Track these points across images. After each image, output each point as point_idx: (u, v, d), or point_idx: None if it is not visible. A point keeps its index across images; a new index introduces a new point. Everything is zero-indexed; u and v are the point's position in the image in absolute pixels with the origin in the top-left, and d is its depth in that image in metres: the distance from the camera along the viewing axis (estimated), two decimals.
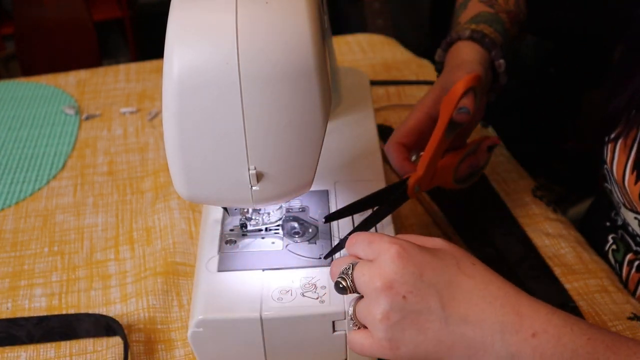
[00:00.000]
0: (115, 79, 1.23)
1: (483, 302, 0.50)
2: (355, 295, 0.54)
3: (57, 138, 1.07)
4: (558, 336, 0.49)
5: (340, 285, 0.53)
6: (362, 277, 0.52)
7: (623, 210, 0.77)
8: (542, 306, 0.50)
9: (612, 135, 0.74)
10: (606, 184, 0.80)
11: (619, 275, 0.79)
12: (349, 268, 0.53)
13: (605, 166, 0.77)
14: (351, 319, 0.54)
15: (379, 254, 0.52)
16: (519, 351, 0.48)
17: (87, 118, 1.12)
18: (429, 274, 0.51)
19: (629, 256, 0.78)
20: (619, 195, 0.76)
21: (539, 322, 0.49)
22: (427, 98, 0.73)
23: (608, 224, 0.82)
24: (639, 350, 0.49)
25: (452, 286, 0.51)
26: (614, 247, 0.80)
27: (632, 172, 0.71)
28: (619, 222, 0.82)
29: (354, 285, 0.53)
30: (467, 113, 0.68)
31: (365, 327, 0.53)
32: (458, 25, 0.83)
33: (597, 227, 0.86)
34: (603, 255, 0.82)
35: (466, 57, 0.76)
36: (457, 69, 0.73)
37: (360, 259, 0.54)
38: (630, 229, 0.78)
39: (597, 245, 0.84)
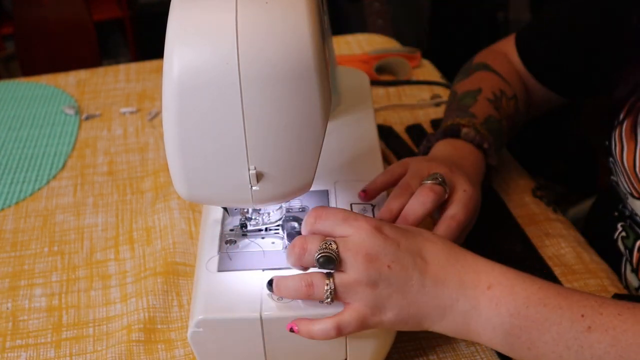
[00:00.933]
0: (115, 79, 1.23)
1: (447, 264, 0.57)
2: (328, 272, 0.57)
3: (57, 138, 1.07)
4: (511, 286, 0.55)
5: (330, 259, 0.56)
6: (348, 251, 0.57)
7: (630, 200, 0.77)
8: (497, 265, 0.57)
9: (617, 122, 0.76)
10: (612, 177, 0.80)
11: (629, 261, 0.79)
12: (330, 244, 0.57)
13: (611, 159, 0.78)
14: (330, 294, 0.57)
15: (356, 231, 0.57)
16: (478, 303, 0.56)
17: (87, 118, 1.12)
18: (404, 243, 0.58)
19: (638, 243, 0.78)
20: (626, 186, 0.76)
21: (493, 276, 0.56)
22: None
23: (616, 213, 0.82)
24: (589, 298, 0.54)
25: (423, 251, 0.58)
26: (623, 234, 0.80)
27: None
28: (627, 213, 0.82)
29: (339, 259, 0.56)
30: None
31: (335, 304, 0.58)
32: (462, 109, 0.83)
33: (605, 216, 0.86)
34: (612, 244, 0.82)
35: (469, 166, 0.76)
36: (456, 169, 0.73)
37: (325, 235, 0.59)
38: (638, 218, 0.78)
39: (605, 235, 0.83)
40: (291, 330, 0.58)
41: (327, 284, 0.57)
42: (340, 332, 0.57)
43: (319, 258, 0.57)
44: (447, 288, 0.56)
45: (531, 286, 0.55)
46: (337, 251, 0.57)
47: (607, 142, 0.79)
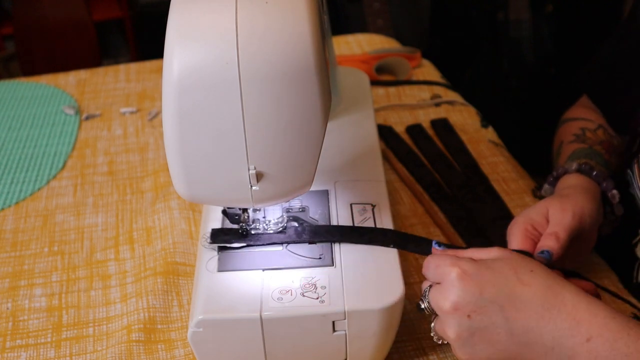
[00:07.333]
0: (115, 79, 1.23)
1: (542, 310, 0.54)
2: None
3: (57, 138, 1.07)
4: (613, 340, 0.52)
5: (421, 307, 0.60)
6: (434, 299, 0.58)
7: None
8: (600, 310, 0.53)
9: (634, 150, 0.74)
10: (630, 189, 0.79)
11: None
12: (426, 290, 0.60)
13: (628, 170, 0.78)
14: (433, 334, 0.61)
15: (443, 278, 0.58)
16: (575, 355, 0.53)
17: (87, 118, 1.12)
18: (489, 290, 0.55)
19: None
20: None
21: (595, 327, 0.53)
22: (531, 213, 0.71)
23: (638, 217, 0.80)
24: None
25: (512, 298, 0.55)
26: None
27: None
28: None
29: (431, 307, 0.59)
30: (547, 258, 0.66)
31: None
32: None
33: (625, 219, 0.83)
34: (627, 247, 0.80)
35: (575, 187, 0.74)
36: (566, 199, 0.70)
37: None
38: None
39: (620, 235, 0.82)
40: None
41: (432, 326, 0.61)
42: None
43: (417, 305, 0.61)
44: (540, 337, 0.54)
45: (635, 342, 0.52)
46: (429, 298, 0.59)
47: (628, 170, 0.78)
